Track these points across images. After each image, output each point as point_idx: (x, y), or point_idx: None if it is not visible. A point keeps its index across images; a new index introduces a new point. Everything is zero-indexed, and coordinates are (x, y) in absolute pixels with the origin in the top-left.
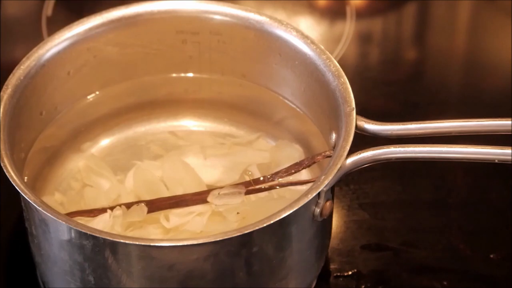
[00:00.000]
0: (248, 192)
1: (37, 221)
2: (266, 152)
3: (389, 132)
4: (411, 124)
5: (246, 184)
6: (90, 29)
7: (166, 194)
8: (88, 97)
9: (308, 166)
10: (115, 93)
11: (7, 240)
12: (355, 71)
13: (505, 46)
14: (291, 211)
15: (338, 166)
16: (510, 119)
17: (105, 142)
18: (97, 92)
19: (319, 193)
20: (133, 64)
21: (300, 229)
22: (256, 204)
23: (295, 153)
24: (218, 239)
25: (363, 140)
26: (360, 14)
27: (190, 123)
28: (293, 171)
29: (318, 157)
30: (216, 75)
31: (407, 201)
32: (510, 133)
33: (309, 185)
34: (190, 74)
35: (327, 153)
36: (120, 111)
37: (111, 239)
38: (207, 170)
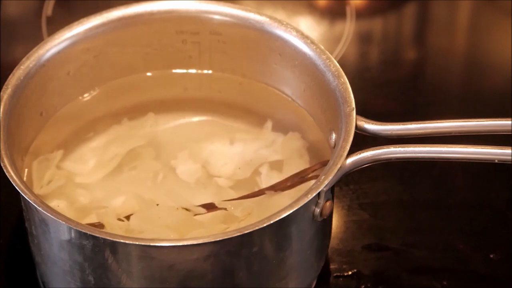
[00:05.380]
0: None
1: (37, 221)
2: (276, 149)
3: (389, 132)
4: (411, 124)
5: (253, 194)
6: (90, 29)
7: None
8: (88, 97)
9: (304, 181)
10: (115, 93)
11: (7, 240)
12: (355, 71)
13: (505, 46)
14: (291, 211)
15: (338, 166)
16: (510, 119)
17: (104, 141)
18: (97, 92)
19: (319, 193)
20: (133, 64)
21: (300, 229)
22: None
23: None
24: (218, 239)
25: (363, 140)
26: (360, 14)
27: (190, 122)
28: (288, 184)
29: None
30: (216, 75)
31: (407, 201)
32: (510, 133)
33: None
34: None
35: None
36: (119, 111)
37: (111, 239)
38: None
